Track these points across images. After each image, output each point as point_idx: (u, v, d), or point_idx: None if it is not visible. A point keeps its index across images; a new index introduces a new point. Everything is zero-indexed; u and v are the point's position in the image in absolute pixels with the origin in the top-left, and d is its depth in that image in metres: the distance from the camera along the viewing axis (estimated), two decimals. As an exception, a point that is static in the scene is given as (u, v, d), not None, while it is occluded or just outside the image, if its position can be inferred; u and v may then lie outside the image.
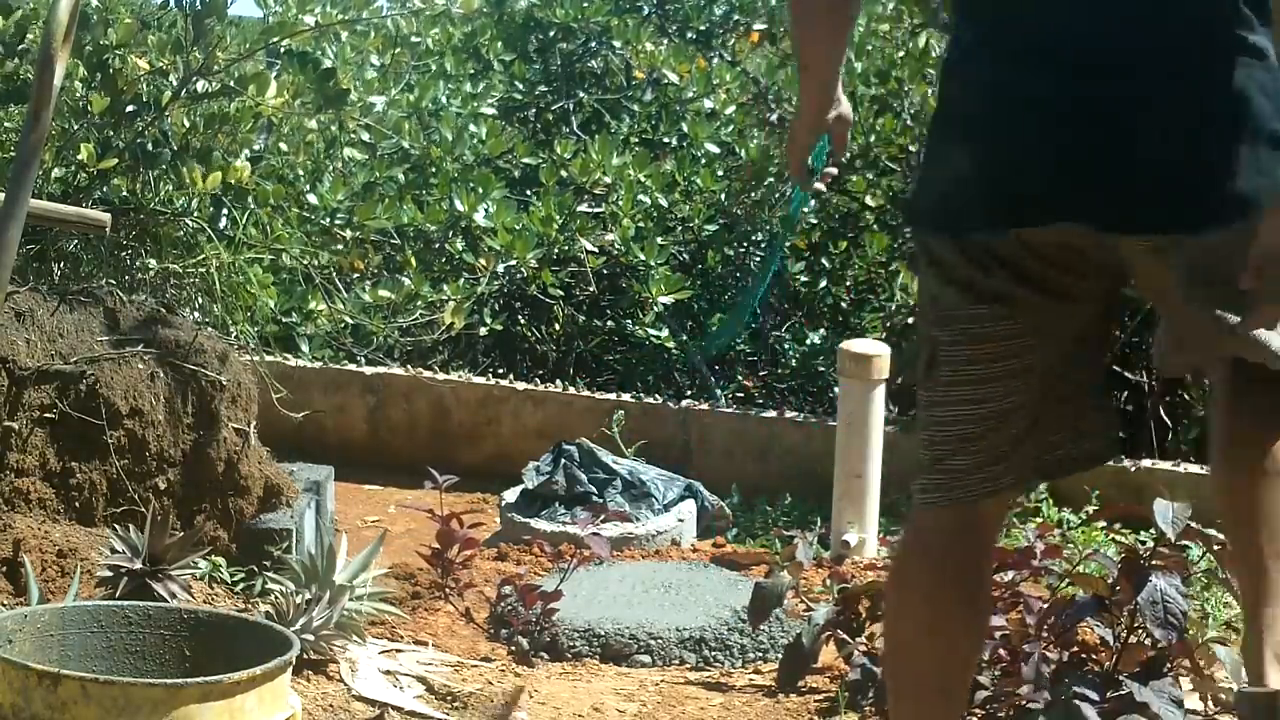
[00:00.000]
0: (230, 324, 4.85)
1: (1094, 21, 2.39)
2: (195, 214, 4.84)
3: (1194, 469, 5.42)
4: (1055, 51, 2.39)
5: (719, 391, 6.58)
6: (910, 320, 6.46)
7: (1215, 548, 3.32)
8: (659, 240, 6.47)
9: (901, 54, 6.94)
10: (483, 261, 6.23)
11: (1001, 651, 3.34)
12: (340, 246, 6.03)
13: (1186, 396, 6.13)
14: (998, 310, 2.47)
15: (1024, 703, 3.26)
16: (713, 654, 4.00)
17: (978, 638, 2.67)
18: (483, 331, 6.49)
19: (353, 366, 6.26)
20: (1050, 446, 2.55)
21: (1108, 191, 2.37)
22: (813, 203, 2.94)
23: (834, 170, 2.92)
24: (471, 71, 7.43)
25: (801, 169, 2.87)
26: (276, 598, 3.68)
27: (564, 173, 6.62)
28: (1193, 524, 3.17)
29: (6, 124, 4.92)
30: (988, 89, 2.45)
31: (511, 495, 5.26)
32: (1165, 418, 6.13)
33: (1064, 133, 2.37)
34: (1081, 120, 2.37)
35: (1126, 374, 6.30)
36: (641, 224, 6.52)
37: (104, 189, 4.82)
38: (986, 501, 2.55)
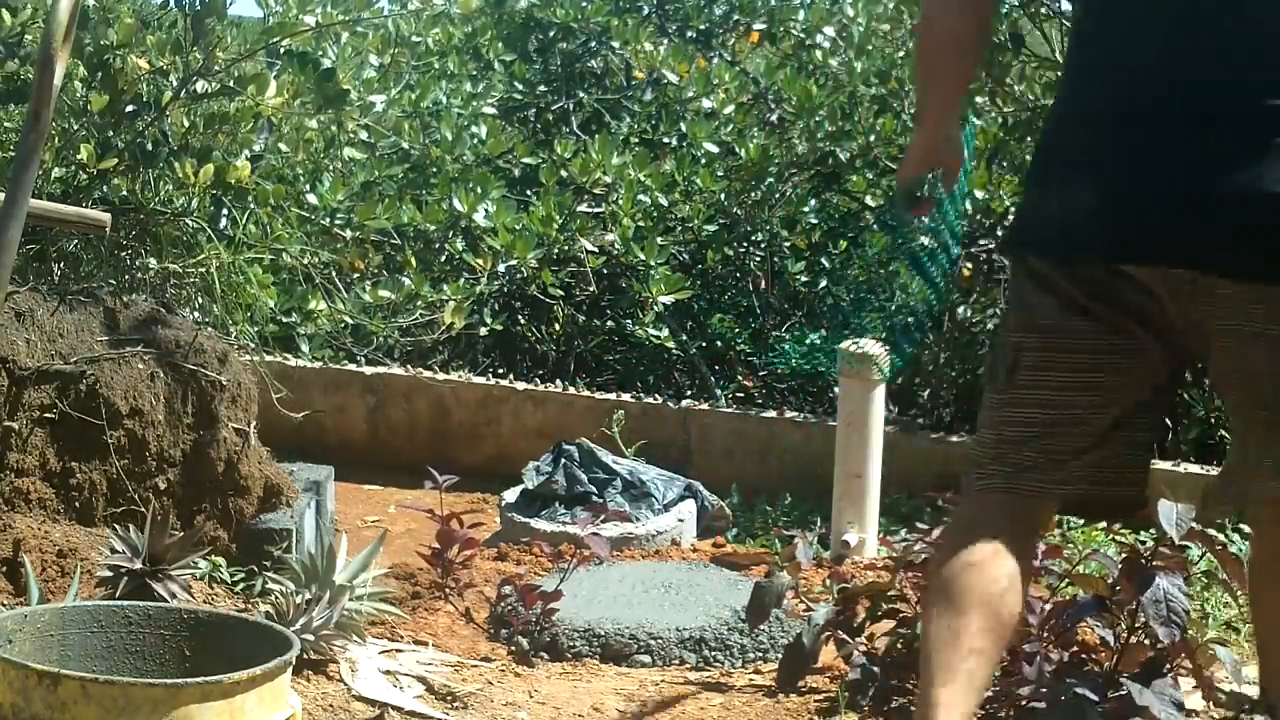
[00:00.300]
0: (230, 324, 4.85)
1: (1216, 70, 2.51)
2: (195, 214, 4.84)
3: (1194, 469, 5.42)
4: (1176, 99, 2.53)
5: (719, 391, 6.58)
6: (910, 320, 6.46)
7: (1216, 549, 3.33)
8: (659, 240, 6.47)
9: (902, 54, 6.95)
10: (482, 261, 6.23)
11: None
12: (340, 246, 6.03)
13: (1186, 396, 6.12)
14: (1090, 326, 2.63)
15: (1025, 703, 3.25)
16: (713, 654, 4.00)
17: (1014, 613, 2.72)
18: (483, 331, 6.49)
19: (353, 366, 6.26)
20: (1106, 477, 2.69)
21: (1214, 236, 2.48)
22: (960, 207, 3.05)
23: (933, 203, 3.04)
24: (472, 71, 7.43)
25: (906, 196, 2.99)
26: (276, 598, 3.68)
27: (564, 173, 6.62)
28: (1195, 525, 3.17)
29: (6, 124, 4.92)
30: (1107, 129, 2.59)
31: (511, 495, 5.26)
32: (1165, 418, 6.13)
33: (1179, 178, 2.50)
34: (1199, 166, 2.49)
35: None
36: (641, 224, 6.52)
37: (104, 189, 4.82)
38: (1042, 503, 2.68)
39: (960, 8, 2.81)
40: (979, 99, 6.44)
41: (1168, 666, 3.21)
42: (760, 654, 4.02)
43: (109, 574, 3.59)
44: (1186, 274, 2.52)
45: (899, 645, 3.48)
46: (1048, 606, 3.40)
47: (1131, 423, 2.69)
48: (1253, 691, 3.36)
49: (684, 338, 6.69)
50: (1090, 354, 2.64)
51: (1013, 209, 6.53)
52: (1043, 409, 2.66)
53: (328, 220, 6.00)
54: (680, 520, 5.15)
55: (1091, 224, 2.57)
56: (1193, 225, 2.49)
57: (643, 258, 6.40)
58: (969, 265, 6.63)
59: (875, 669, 3.47)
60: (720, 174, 6.77)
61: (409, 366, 6.35)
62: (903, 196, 3.02)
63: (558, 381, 6.45)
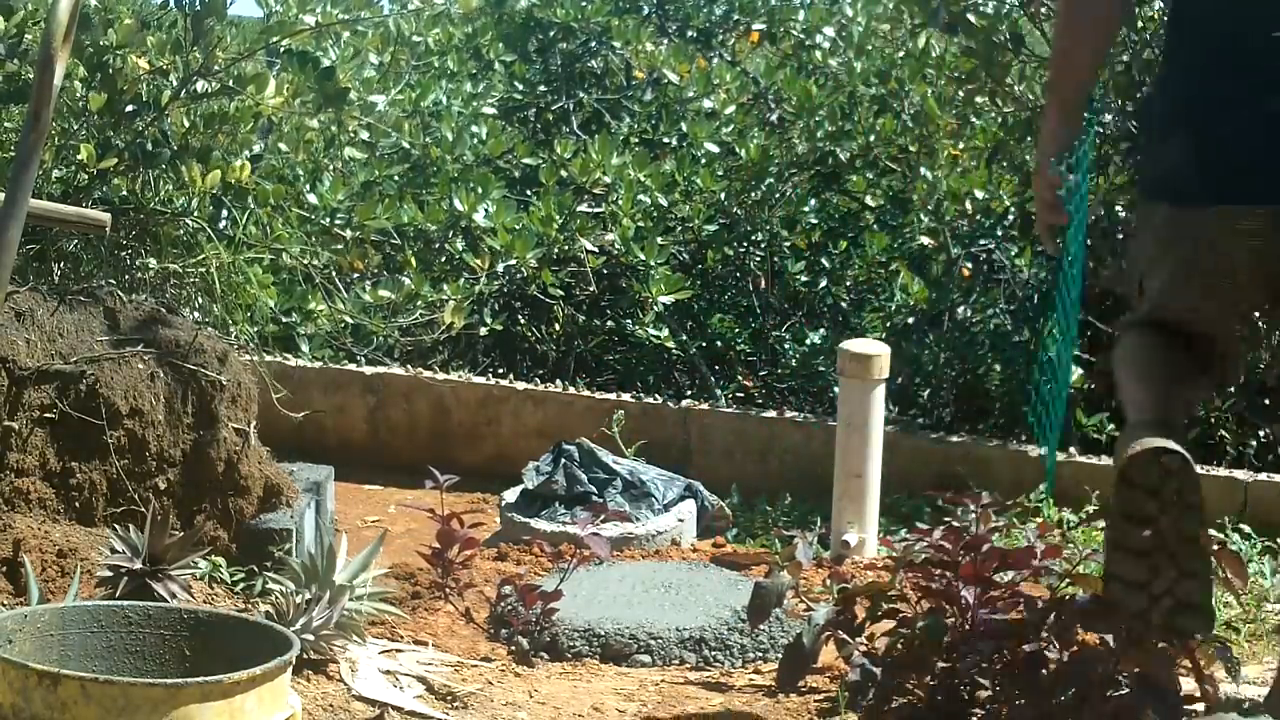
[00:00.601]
0: (230, 324, 4.86)
1: None
2: (195, 214, 4.84)
3: (1194, 469, 5.41)
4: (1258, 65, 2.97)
5: (719, 391, 6.58)
6: (910, 320, 6.48)
7: (1215, 548, 3.32)
8: (659, 240, 6.47)
9: (901, 54, 6.95)
10: (482, 261, 6.23)
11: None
12: (340, 246, 6.03)
13: (1186, 396, 6.12)
14: (1192, 265, 3.09)
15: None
16: (713, 654, 4.00)
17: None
18: (483, 331, 6.49)
19: (353, 366, 6.26)
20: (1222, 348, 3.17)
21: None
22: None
23: (1069, 180, 3.31)
24: (472, 71, 7.43)
25: (1048, 189, 3.30)
26: (276, 598, 3.68)
27: (564, 173, 6.62)
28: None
29: (6, 124, 4.92)
30: (1198, 90, 3.04)
31: (511, 495, 5.25)
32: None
33: (1259, 129, 2.94)
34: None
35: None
36: (641, 224, 6.52)
37: (104, 189, 4.82)
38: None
39: None
40: (979, 99, 6.45)
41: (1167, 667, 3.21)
42: (760, 654, 4.02)
43: (109, 574, 3.60)
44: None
45: (899, 645, 3.48)
46: (1048, 606, 3.40)
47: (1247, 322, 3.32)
48: (1253, 691, 3.37)
49: (684, 338, 6.69)
50: (1195, 283, 3.09)
51: (1012, 209, 6.54)
52: (1168, 309, 3.13)
53: (328, 220, 5.99)
54: (680, 520, 5.15)
55: (1190, 170, 3.01)
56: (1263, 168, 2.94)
57: (643, 258, 6.40)
58: (969, 265, 6.63)
59: (875, 669, 3.46)
60: (720, 174, 6.76)
61: (409, 366, 6.35)
62: (1049, 193, 3.27)
63: (558, 381, 6.45)
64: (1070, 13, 3.27)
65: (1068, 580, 3.48)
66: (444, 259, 6.54)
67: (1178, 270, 3.11)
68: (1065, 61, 3.31)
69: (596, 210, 6.57)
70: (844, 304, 6.93)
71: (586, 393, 6.15)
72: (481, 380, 6.23)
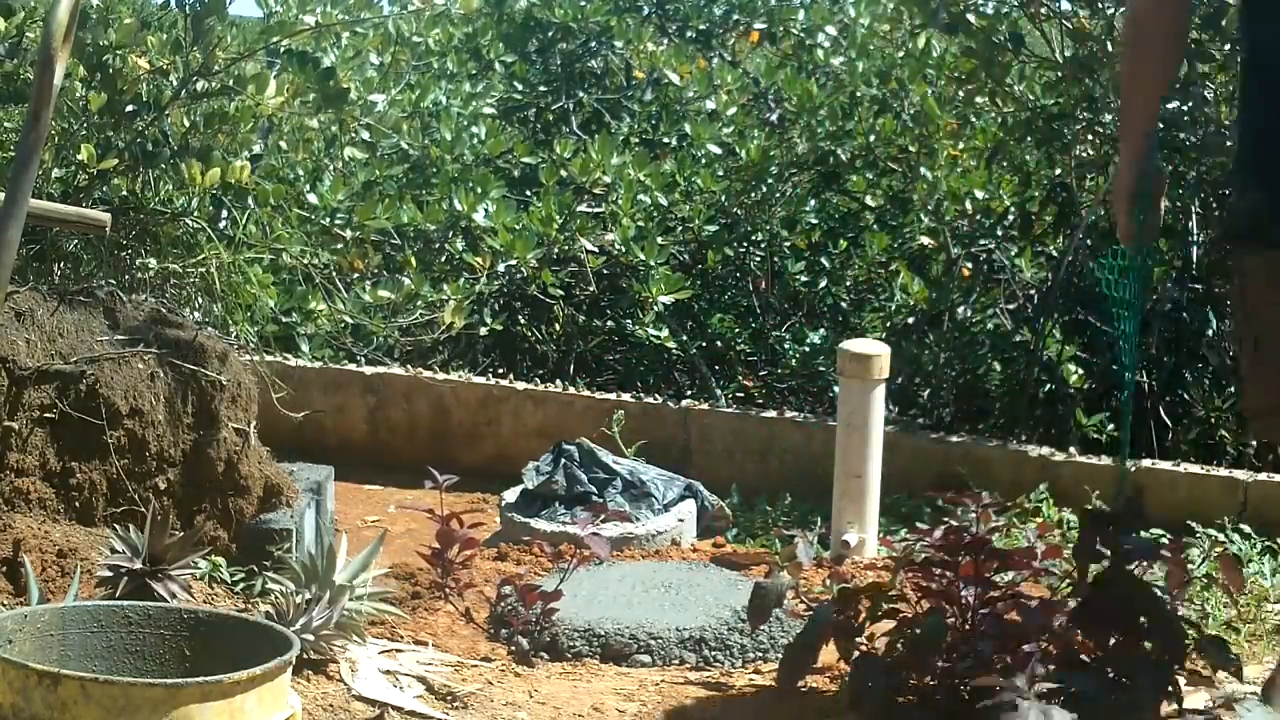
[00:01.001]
0: (230, 324, 4.86)
1: None
2: (195, 214, 4.85)
3: (1194, 469, 5.42)
4: None
5: (719, 391, 6.58)
6: (910, 320, 6.48)
7: (1215, 550, 3.33)
8: (659, 240, 6.47)
9: (901, 54, 6.95)
10: (482, 261, 6.23)
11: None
12: (340, 246, 6.03)
13: (1186, 396, 6.13)
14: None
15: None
16: (713, 654, 4.00)
17: None
18: (483, 331, 6.49)
19: (353, 366, 6.26)
20: None
21: None
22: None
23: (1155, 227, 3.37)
24: (472, 71, 7.43)
25: (1130, 222, 3.33)
26: (276, 598, 3.69)
27: (564, 172, 6.61)
28: (1194, 524, 3.18)
29: (6, 124, 4.92)
30: (1269, 139, 3.12)
31: (511, 495, 5.25)
32: (1165, 418, 6.13)
33: None
34: None
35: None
36: (641, 224, 6.52)
37: (104, 189, 4.82)
38: None
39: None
40: (979, 99, 6.45)
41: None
42: (760, 654, 4.02)
43: (109, 574, 3.60)
44: None
45: (899, 645, 3.48)
46: (1048, 606, 3.40)
47: None
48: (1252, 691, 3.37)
49: (684, 338, 6.69)
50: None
51: (1012, 209, 6.54)
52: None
53: (328, 220, 6.00)
54: (680, 520, 5.15)
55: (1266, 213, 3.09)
56: None
57: (643, 258, 6.40)
58: (969, 265, 6.63)
59: (875, 669, 3.47)
60: (720, 174, 6.76)
61: (409, 366, 6.35)
62: (1130, 224, 3.31)
63: (558, 381, 6.45)
64: (1137, 31, 3.27)
65: (1068, 580, 3.48)
66: (444, 259, 6.54)
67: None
68: (1135, 83, 3.30)
69: (596, 210, 6.57)
70: (844, 304, 6.93)
71: (586, 393, 6.15)
72: (481, 380, 6.23)
